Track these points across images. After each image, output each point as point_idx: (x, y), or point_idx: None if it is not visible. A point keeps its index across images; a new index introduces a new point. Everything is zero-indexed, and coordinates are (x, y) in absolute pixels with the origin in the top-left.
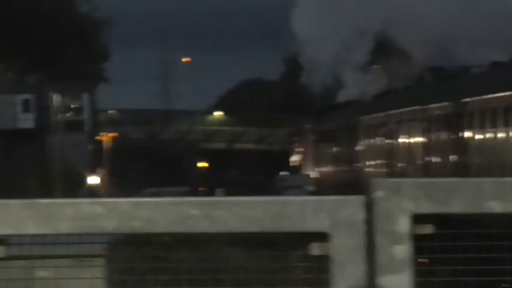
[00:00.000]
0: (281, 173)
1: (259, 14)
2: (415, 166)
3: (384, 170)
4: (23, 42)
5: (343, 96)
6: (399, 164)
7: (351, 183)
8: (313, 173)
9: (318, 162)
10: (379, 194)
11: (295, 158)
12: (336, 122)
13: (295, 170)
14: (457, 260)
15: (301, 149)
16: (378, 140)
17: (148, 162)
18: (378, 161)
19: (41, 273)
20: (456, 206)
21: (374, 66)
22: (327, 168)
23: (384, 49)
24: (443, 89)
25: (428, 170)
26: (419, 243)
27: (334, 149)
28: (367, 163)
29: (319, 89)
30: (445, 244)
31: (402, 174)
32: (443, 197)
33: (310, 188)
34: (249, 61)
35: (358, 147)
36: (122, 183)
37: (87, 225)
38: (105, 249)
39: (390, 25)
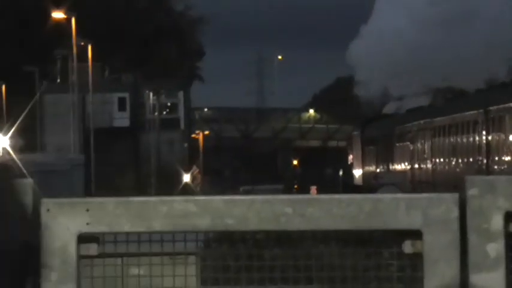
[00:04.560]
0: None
1: (354, 11)
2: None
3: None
4: (119, 41)
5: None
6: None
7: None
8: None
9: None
10: (472, 191)
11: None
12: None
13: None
14: None
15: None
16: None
17: (242, 160)
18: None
19: (135, 271)
20: None
21: None
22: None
23: None
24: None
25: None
26: None
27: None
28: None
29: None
30: None
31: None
32: None
33: (406, 185)
34: (343, 58)
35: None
36: (216, 181)
37: (181, 223)
38: (199, 247)
39: None
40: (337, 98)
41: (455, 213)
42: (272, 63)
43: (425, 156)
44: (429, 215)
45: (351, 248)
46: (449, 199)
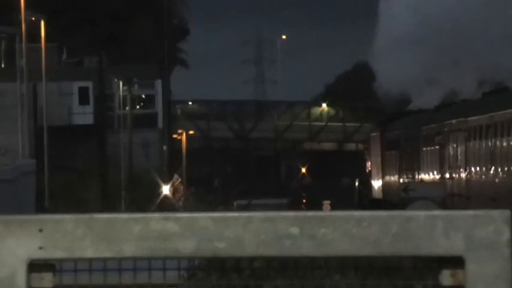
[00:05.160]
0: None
1: None
2: None
3: None
4: (80, 16)
5: None
6: None
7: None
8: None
9: None
10: None
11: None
12: None
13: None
14: None
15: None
16: None
17: (236, 167)
18: None
19: None
20: None
21: None
22: None
23: None
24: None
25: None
26: None
27: None
28: None
29: None
30: None
31: None
32: None
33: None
34: (363, 39)
35: None
36: (203, 193)
37: (159, 246)
38: (181, 277)
39: None
40: (356, 89)
41: (506, 235)
42: (274, 45)
43: (458, 163)
44: (473, 237)
45: (373, 279)
46: (499, 217)
